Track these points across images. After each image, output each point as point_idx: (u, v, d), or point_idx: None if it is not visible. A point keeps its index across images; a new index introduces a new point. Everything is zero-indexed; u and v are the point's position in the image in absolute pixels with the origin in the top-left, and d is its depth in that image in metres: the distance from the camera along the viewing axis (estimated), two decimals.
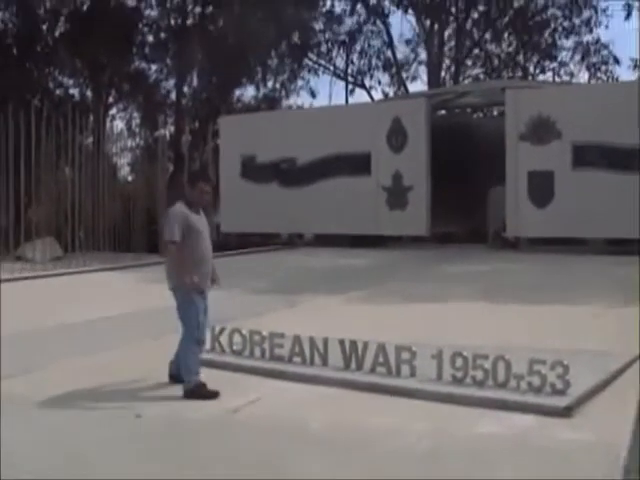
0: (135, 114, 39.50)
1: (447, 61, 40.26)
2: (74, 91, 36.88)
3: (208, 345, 7.98)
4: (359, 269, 17.39)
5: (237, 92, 39.87)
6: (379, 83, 40.60)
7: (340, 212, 22.99)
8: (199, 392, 6.65)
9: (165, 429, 5.80)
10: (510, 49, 40.58)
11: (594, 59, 39.53)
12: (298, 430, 5.68)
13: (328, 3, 39.92)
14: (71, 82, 36.87)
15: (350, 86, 40.06)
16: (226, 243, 21.73)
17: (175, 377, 6.94)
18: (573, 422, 5.75)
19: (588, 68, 39.62)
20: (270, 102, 39.16)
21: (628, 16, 35.99)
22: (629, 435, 5.26)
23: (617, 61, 39.01)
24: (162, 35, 37.36)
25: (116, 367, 7.60)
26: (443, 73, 39.70)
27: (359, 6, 39.71)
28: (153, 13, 37.59)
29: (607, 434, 5.40)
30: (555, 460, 4.98)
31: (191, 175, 8.36)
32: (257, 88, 39.44)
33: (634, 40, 42.05)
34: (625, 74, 39.66)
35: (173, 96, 38.43)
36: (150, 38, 37.48)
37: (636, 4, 35.75)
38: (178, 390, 6.72)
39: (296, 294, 13.08)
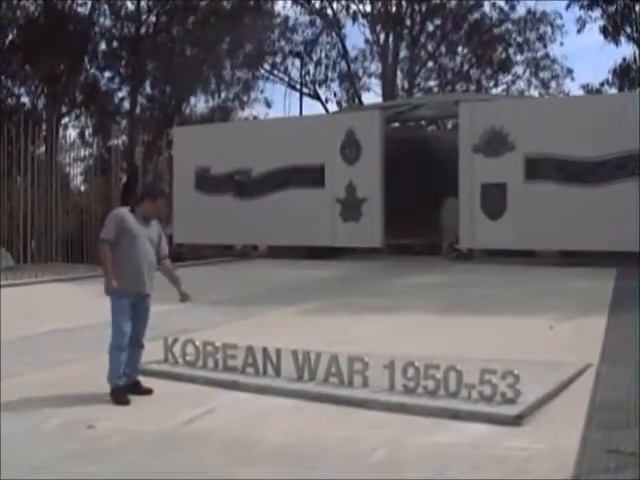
0: (88, 123, 39.25)
1: (401, 73, 40.56)
2: (26, 100, 36.56)
3: (161, 356, 7.95)
4: (313, 281, 17.36)
5: (191, 102, 39.83)
6: (334, 95, 40.82)
7: (295, 224, 22.94)
8: (113, 396, 6.75)
9: (116, 440, 5.74)
10: (464, 62, 41.02)
11: (545, 74, 40.20)
12: (251, 442, 5.66)
13: (282, 13, 40.20)
14: (23, 91, 36.53)
15: (305, 97, 40.21)
16: (179, 254, 21.59)
17: (129, 387, 6.89)
18: (523, 430, 5.80)
19: (542, 83, 40.27)
20: (224, 113, 39.13)
21: (579, 30, 36.83)
22: (577, 443, 5.33)
23: (571, 75, 39.72)
24: (115, 44, 37.18)
25: (71, 380, 7.50)
26: (397, 85, 39.99)
27: (316, 17, 39.98)
28: (107, 22, 37.48)
29: (556, 442, 5.46)
30: (505, 467, 5.02)
31: (142, 191, 8.29)
32: (212, 98, 39.45)
33: (588, 58, 43.01)
34: (577, 89, 40.43)
35: (127, 105, 38.26)
36: (103, 47, 37.32)
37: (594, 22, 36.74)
38: (133, 401, 6.72)
39: (251, 305, 13.07)
